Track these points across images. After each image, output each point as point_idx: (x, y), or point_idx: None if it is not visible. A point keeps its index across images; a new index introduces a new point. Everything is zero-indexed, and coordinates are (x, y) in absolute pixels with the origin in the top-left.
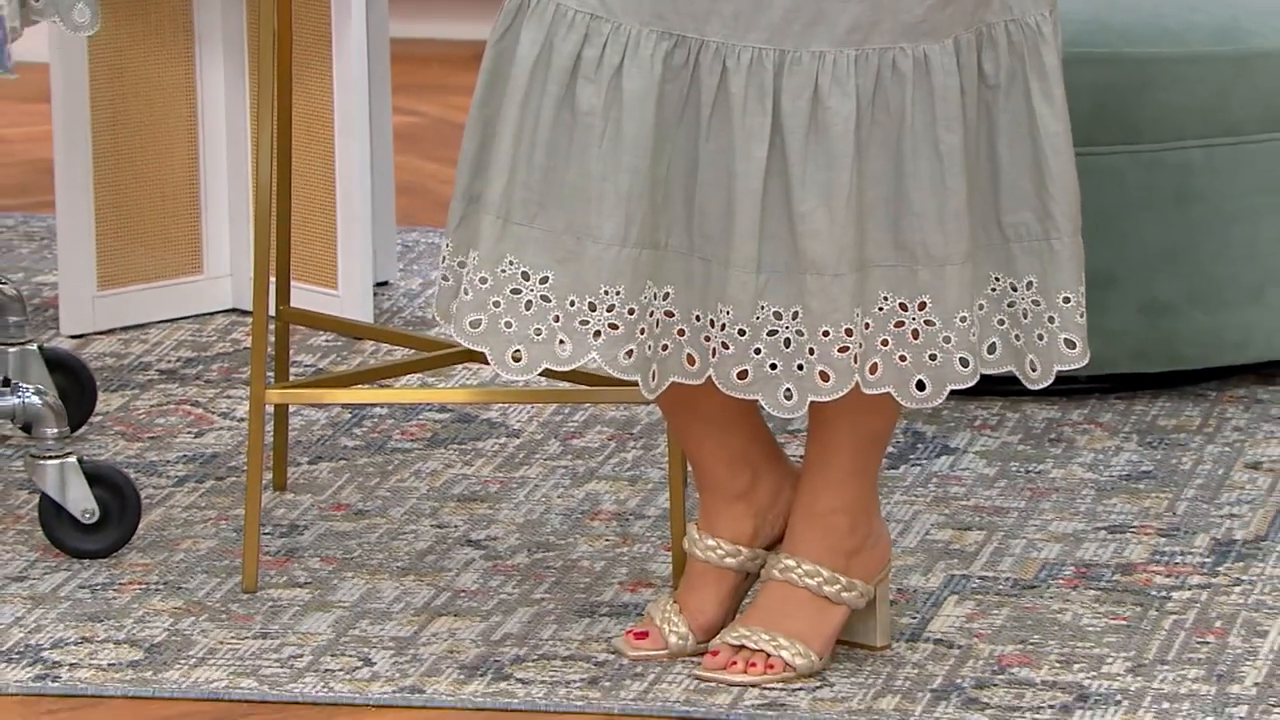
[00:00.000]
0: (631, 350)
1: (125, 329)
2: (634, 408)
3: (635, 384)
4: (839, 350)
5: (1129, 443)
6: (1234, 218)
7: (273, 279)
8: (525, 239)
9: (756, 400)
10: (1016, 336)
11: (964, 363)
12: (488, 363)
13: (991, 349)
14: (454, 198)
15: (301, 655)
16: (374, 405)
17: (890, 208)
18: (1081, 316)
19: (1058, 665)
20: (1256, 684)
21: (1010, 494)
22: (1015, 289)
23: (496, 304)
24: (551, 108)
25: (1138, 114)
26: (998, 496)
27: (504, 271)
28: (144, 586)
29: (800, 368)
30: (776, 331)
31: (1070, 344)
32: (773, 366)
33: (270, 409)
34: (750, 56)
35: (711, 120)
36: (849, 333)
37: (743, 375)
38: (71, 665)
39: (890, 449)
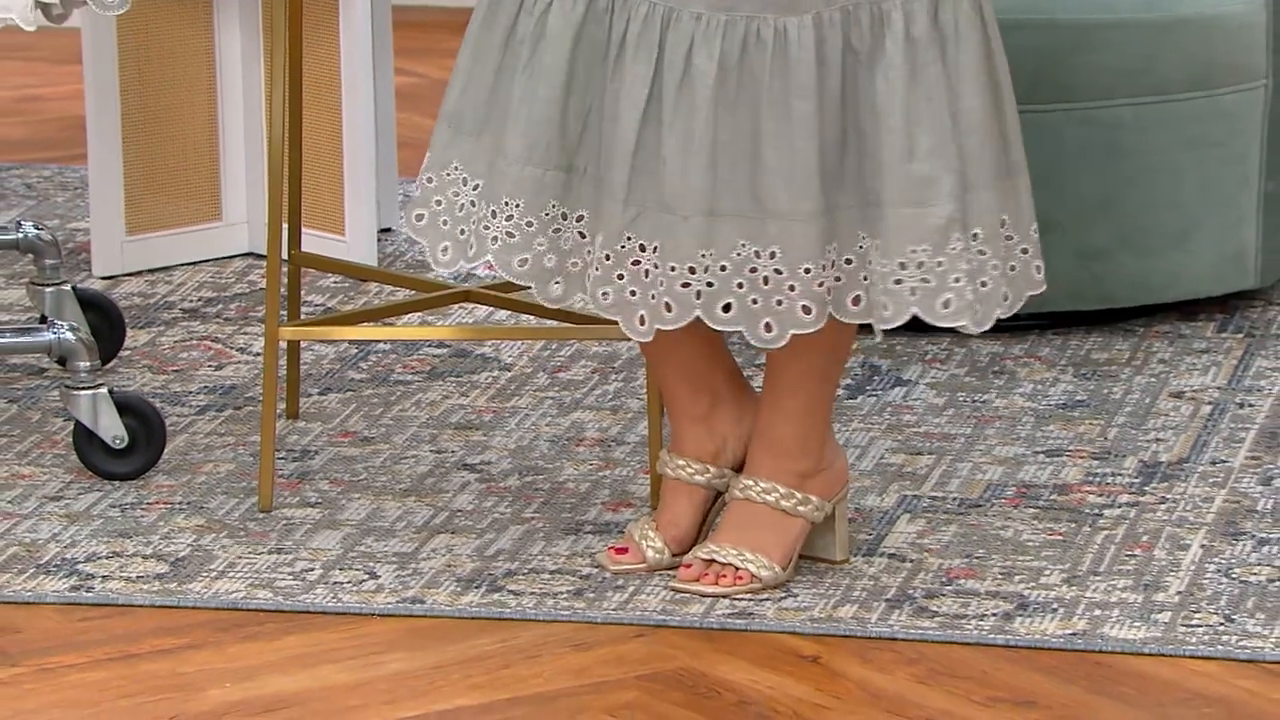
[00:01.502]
0: (526, 259)
1: (151, 271)
2: (615, 344)
3: (617, 323)
4: (681, 285)
5: (1065, 375)
6: (1160, 170)
7: (285, 225)
8: (470, 149)
9: (720, 331)
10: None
11: (806, 310)
12: (483, 303)
13: (855, 300)
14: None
15: (312, 569)
16: (378, 341)
17: (748, 163)
18: (913, 280)
19: (1000, 577)
20: (1179, 592)
21: (957, 421)
22: (977, 239)
23: (439, 202)
24: (501, 34)
25: (1072, 75)
26: (946, 424)
27: (448, 175)
28: (169, 506)
29: (653, 297)
30: (639, 261)
31: (883, 305)
32: (632, 293)
33: (283, 345)
34: (646, 10)
35: (617, 62)
36: (691, 270)
37: (605, 296)
38: (104, 577)
39: (848, 381)
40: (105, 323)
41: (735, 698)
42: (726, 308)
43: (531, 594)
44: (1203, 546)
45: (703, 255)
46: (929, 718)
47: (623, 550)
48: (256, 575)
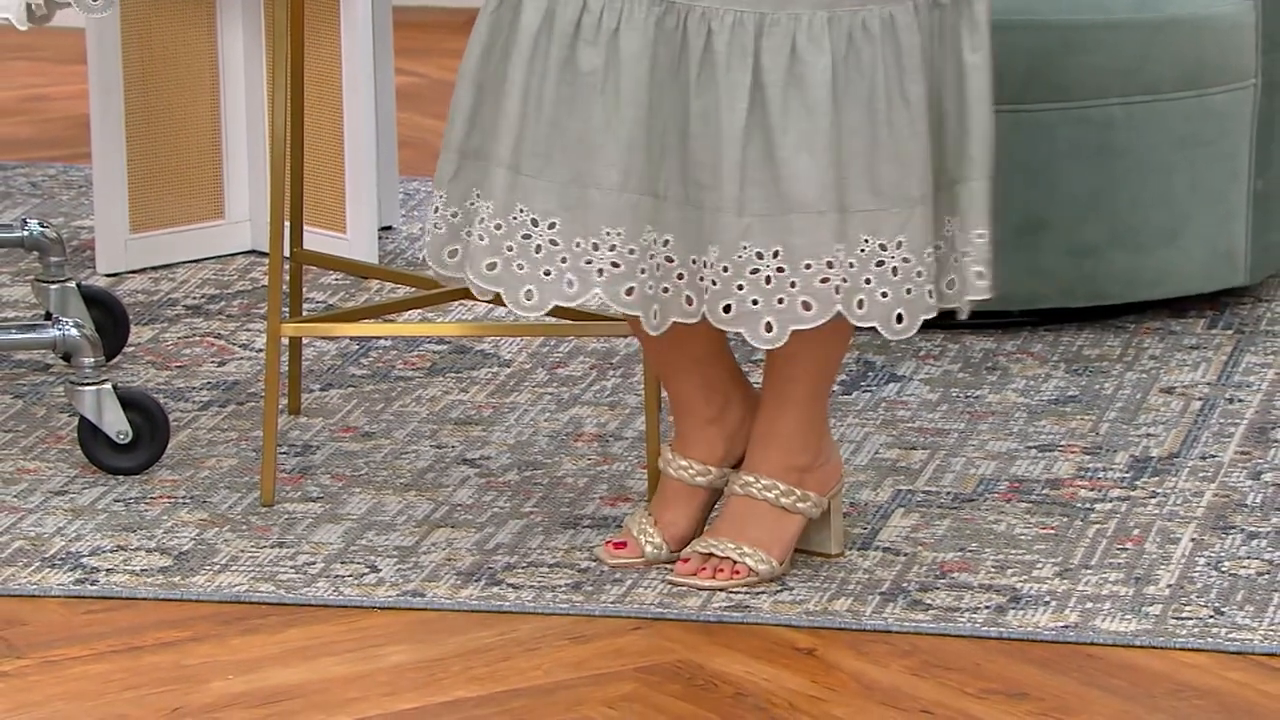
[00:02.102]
0: (633, 288)
1: (155, 268)
2: (614, 340)
3: (615, 319)
4: (820, 281)
5: (1057, 370)
6: (1151, 169)
7: (287, 223)
8: (534, 189)
9: (727, 334)
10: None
11: (931, 294)
12: (481, 300)
13: (951, 284)
14: (445, 152)
15: (314, 563)
16: (379, 338)
17: (866, 157)
18: (989, 251)
19: (993, 570)
20: (1169, 585)
21: (951, 417)
22: (949, 231)
23: (510, 249)
24: (556, 70)
25: (1065, 75)
26: (940, 419)
27: (515, 219)
28: (172, 500)
29: (781, 301)
30: (758, 270)
31: (980, 275)
32: (754, 302)
33: (285, 341)
34: (733, 19)
35: (699, 78)
36: (830, 265)
37: (727, 309)
38: (108, 570)
39: (843, 377)
40: (109, 319)
41: (732, 690)
42: (860, 304)
43: (530, 587)
44: (1193, 540)
45: (838, 249)
46: (923, 709)
47: (621, 545)
48: (259, 569)
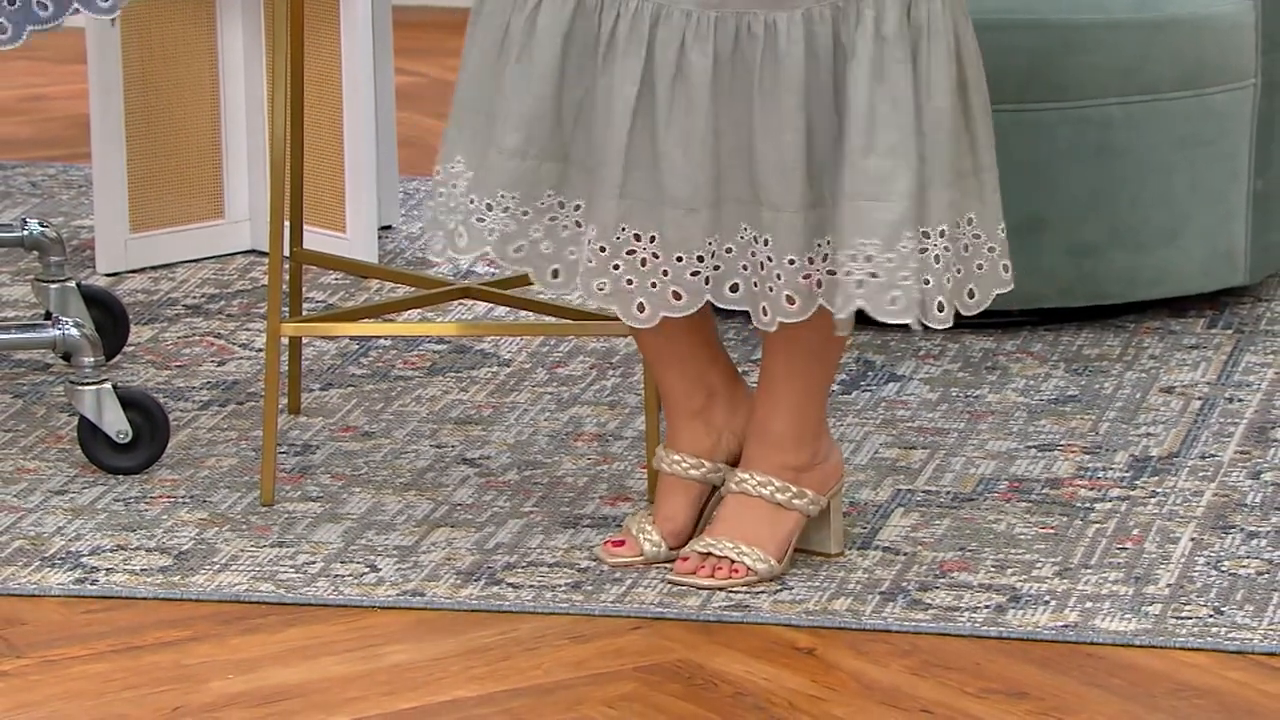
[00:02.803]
0: (522, 245)
1: (155, 268)
2: (613, 340)
3: (615, 319)
4: (690, 274)
5: (1057, 370)
6: (1150, 168)
7: (287, 223)
8: (469, 142)
9: (714, 328)
10: (926, 281)
11: (790, 300)
12: (482, 299)
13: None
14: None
15: (314, 562)
16: (379, 337)
17: (745, 152)
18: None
19: (993, 570)
20: (1169, 585)
21: (951, 416)
22: (928, 236)
23: (441, 194)
24: (498, 31)
25: (1065, 75)
26: (940, 419)
27: (453, 168)
28: (172, 500)
29: (654, 285)
30: (635, 251)
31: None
32: (629, 282)
33: (285, 340)
34: (635, 6)
35: (605, 58)
36: (700, 259)
37: (601, 287)
38: (108, 570)
39: (843, 377)
40: (109, 319)
41: (731, 689)
42: (734, 288)
43: (530, 587)
44: (1192, 540)
45: (709, 242)
46: (923, 709)
47: (620, 543)
48: (259, 568)
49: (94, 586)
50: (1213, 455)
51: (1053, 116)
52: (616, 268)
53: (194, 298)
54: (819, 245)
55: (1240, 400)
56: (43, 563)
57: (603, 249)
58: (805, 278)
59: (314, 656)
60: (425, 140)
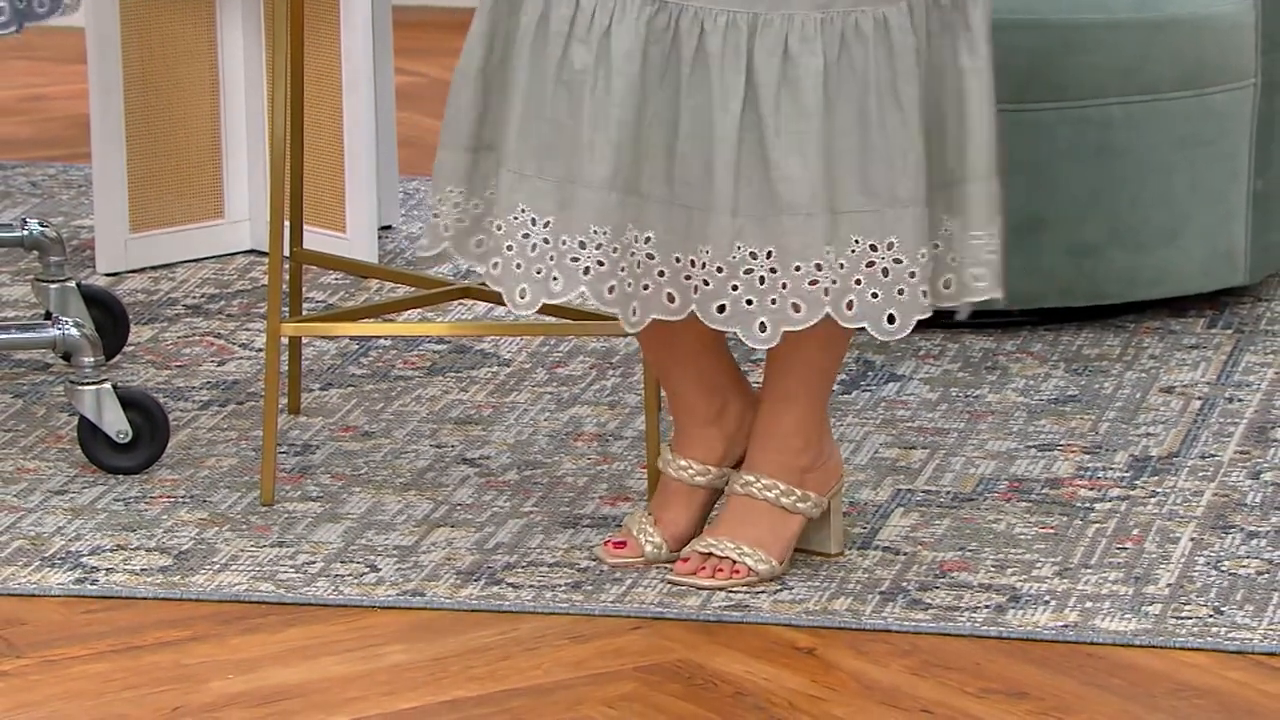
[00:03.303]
0: (614, 286)
1: (154, 268)
2: (613, 339)
3: (614, 318)
4: (809, 284)
5: (1057, 370)
6: (1150, 168)
7: (287, 223)
8: (536, 189)
9: (725, 333)
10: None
11: (925, 295)
12: (481, 299)
13: (946, 285)
14: (451, 150)
15: (314, 562)
16: (379, 337)
17: (858, 157)
18: (991, 253)
19: (993, 569)
20: (1169, 585)
21: (951, 416)
22: (949, 231)
23: (510, 248)
24: (553, 69)
25: (1065, 75)
26: (940, 419)
27: (516, 219)
28: (172, 500)
29: (774, 302)
30: (752, 270)
31: (977, 277)
32: (749, 302)
33: (285, 340)
34: (726, 20)
35: (691, 78)
36: (819, 267)
37: (721, 309)
38: (108, 570)
39: (843, 376)
40: (109, 319)
41: (732, 689)
42: (850, 305)
43: (530, 587)
44: (1192, 540)
45: (828, 251)
46: (923, 709)
47: (621, 544)
48: (258, 568)
49: (94, 586)
50: (1213, 455)
51: (1053, 116)
52: (735, 288)
53: (194, 298)
54: (936, 236)
55: (1240, 400)
56: (43, 563)
57: (720, 269)
58: (931, 269)
59: (314, 656)
60: (425, 140)
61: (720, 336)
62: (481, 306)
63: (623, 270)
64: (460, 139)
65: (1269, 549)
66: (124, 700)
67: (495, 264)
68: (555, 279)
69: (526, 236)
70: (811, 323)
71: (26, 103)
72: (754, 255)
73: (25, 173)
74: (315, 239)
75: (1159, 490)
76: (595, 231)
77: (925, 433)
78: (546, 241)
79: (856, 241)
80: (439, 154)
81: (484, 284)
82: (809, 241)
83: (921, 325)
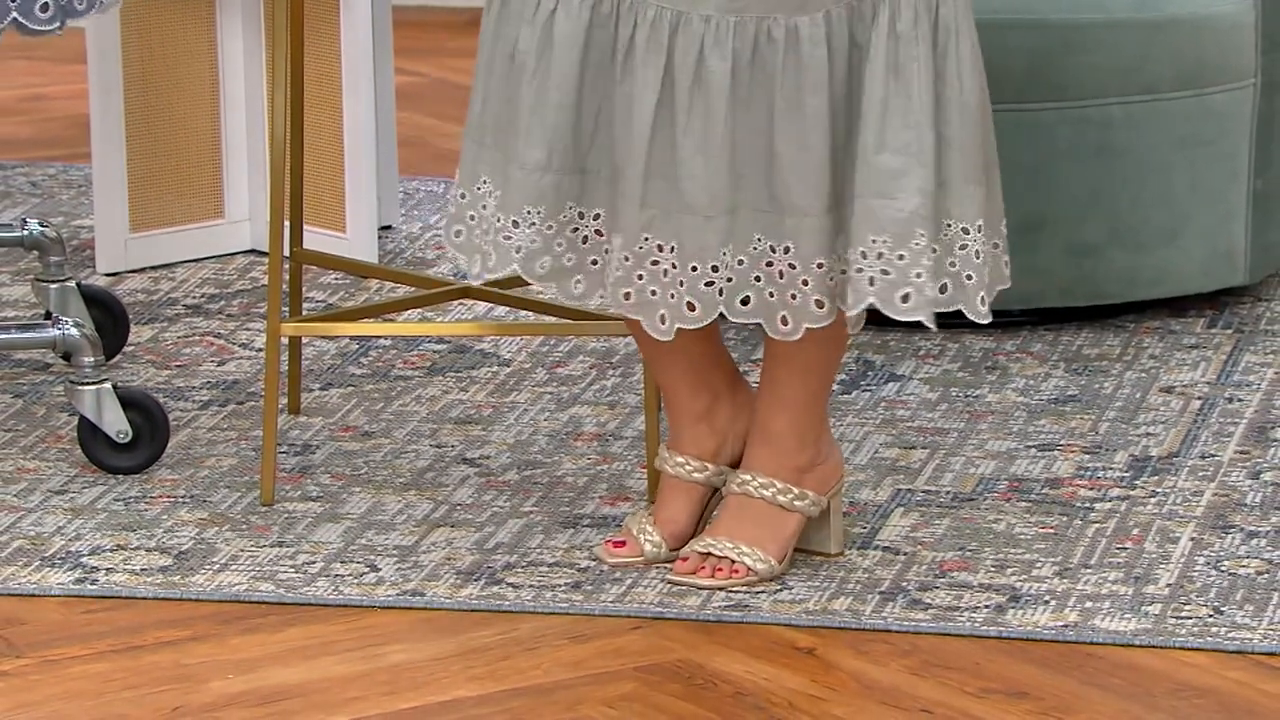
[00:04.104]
0: (546, 261)
1: (154, 268)
2: (613, 339)
3: (616, 319)
4: (704, 284)
5: (1056, 370)
6: (1150, 168)
7: (287, 223)
8: (493, 161)
9: (718, 330)
10: (969, 276)
11: (819, 304)
12: (482, 299)
13: (943, 289)
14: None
15: (314, 562)
16: (379, 337)
17: (764, 159)
18: (977, 256)
19: (993, 569)
20: (1169, 584)
21: (951, 416)
22: (968, 232)
23: (471, 217)
24: (508, 46)
25: (1064, 75)
26: (939, 418)
27: (478, 189)
28: (172, 500)
29: (672, 296)
30: (658, 261)
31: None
32: (653, 293)
33: (285, 340)
34: (653, 14)
35: (624, 66)
36: (714, 269)
37: (627, 296)
38: (108, 570)
39: (843, 376)
40: (109, 319)
41: (731, 689)
42: (745, 301)
43: (530, 587)
44: (1192, 539)
45: (724, 253)
46: (923, 709)
47: (620, 544)
48: (258, 568)
49: (94, 586)
50: (1213, 455)
51: (1053, 116)
52: (640, 277)
53: (194, 298)
54: (838, 246)
55: (1240, 400)
56: (43, 563)
57: (627, 258)
58: (831, 279)
59: (314, 656)
60: (425, 140)
61: (709, 333)
62: (481, 306)
63: (559, 246)
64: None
65: (1269, 549)
66: (124, 700)
67: (458, 232)
68: (490, 255)
69: (485, 207)
70: (705, 323)
71: (26, 103)
72: (660, 248)
73: (25, 173)
74: (315, 239)
75: (1159, 490)
76: (528, 211)
77: (925, 433)
78: (494, 216)
79: (759, 239)
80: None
81: (483, 284)
82: (705, 244)
83: (921, 325)
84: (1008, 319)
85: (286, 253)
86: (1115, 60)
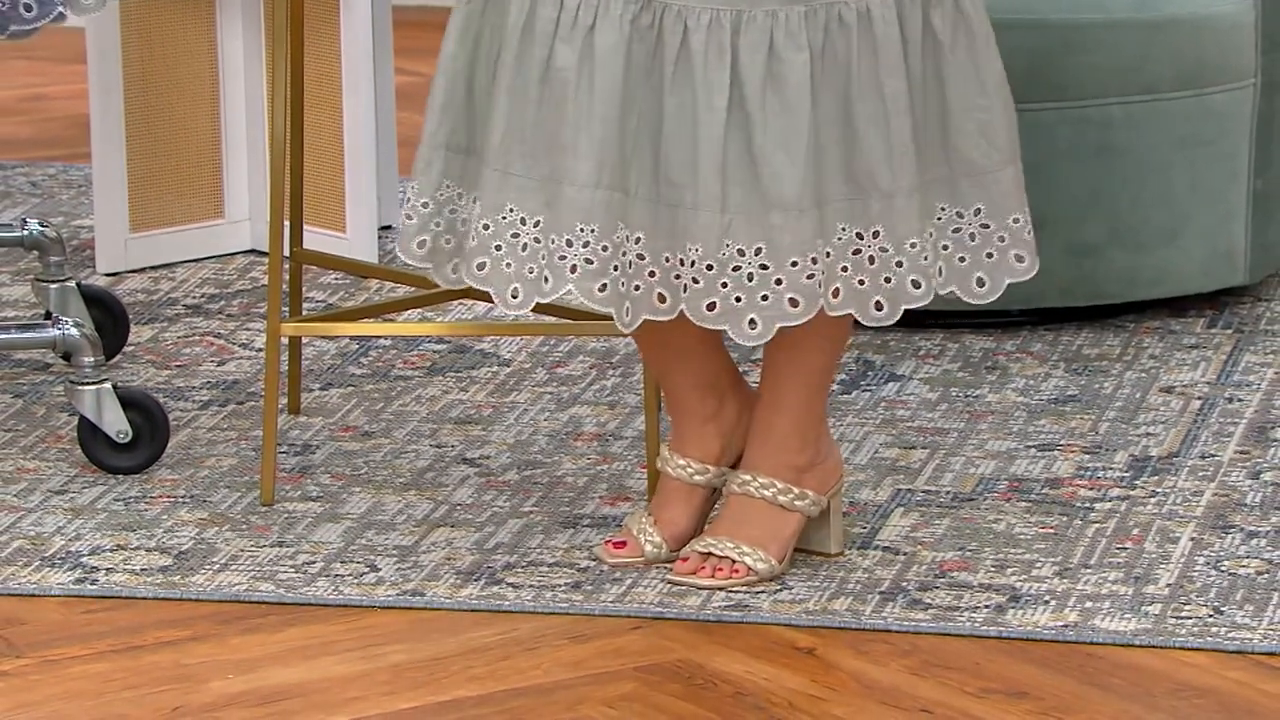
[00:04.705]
0: (605, 284)
1: (154, 268)
2: (613, 339)
3: (611, 319)
4: (806, 278)
5: (1056, 370)
6: (1150, 168)
7: (287, 223)
8: (524, 188)
9: (723, 331)
10: (961, 259)
11: (915, 284)
12: (482, 299)
13: (939, 272)
14: (421, 145)
15: (314, 562)
16: (379, 337)
17: (842, 147)
18: (1029, 234)
19: (993, 569)
20: (1169, 585)
21: (951, 416)
22: (962, 216)
23: (499, 248)
24: (538, 68)
25: (1065, 75)
26: (939, 418)
27: (504, 219)
28: (172, 500)
29: (765, 298)
30: (740, 267)
31: (1019, 258)
32: (738, 299)
33: (285, 340)
34: (710, 17)
35: (675, 76)
36: (814, 261)
37: (711, 307)
38: (108, 570)
39: (843, 376)
40: (109, 319)
41: (731, 689)
42: (835, 292)
43: (530, 587)
44: (1192, 539)
45: (819, 244)
46: (923, 709)
47: (621, 544)
48: (258, 568)
49: (94, 586)
50: (1213, 455)
51: (1053, 116)
52: (724, 285)
53: (194, 298)
54: (928, 226)
55: (1240, 400)
56: (43, 563)
57: (709, 267)
58: (925, 259)
59: (314, 656)
60: None
61: (716, 335)
62: (481, 306)
63: (615, 269)
64: (425, 135)
65: (1269, 549)
66: (124, 700)
67: (481, 264)
68: (546, 279)
69: (516, 236)
70: (809, 316)
71: (26, 103)
72: (742, 252)
73: (25, 173)
74: (315, 239)
75: (1159, 490)
76: (582, 229)
77: (925, 433)
78: (537, 241)
79: (843, 229)
80: (418, 150)
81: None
82: (801, 237)
83: (922, 325)
84: (1008, 319)
85: (286, 253)
86: (1115, 60)
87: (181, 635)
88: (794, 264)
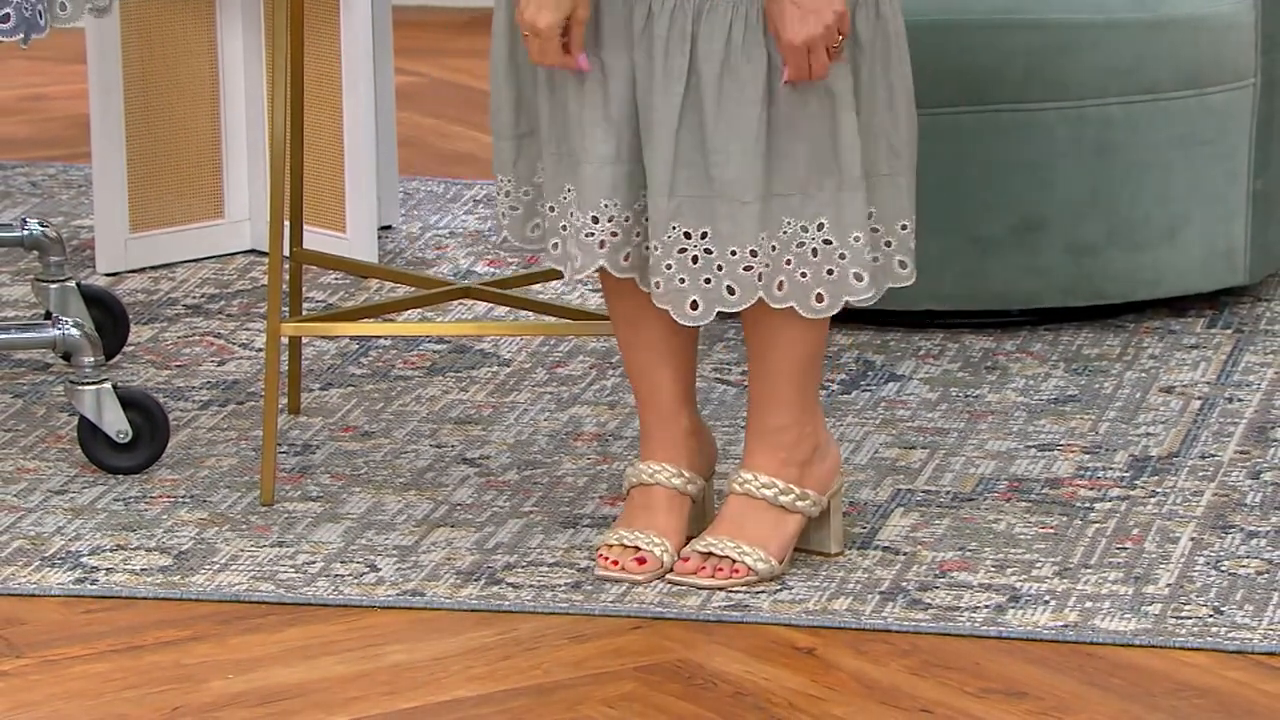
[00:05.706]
0: (629, 254)
1: (154, 268)
2: (613, 339)
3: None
4: (744, 269)
5: (1056, 370)
6: (1150, 167)
7: (287, 223)
8: (568, 167)
9: (697, 333)
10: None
11: (858, 278)
12: (482, 299)
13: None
14: (498, 140)
15: (314, 562)
16: (379, 337)
17: (792, 143)
18: (912, 241)
19: (993, 569)
20: (1169, 584)
21: (951, 416)
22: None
23: (564, 228)
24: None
25: (1064, 74)
26: (939, 418)
27: (564, 198)
28: (172, 500)
29: (708, 281)
30: (685, 250)
31: (902, 264)
32: (681, 281)
33: (285, 340)
34: (673, 3)
35: (637, 59)
36: (753, 253)
37: (656, 285)
38: (107, 570)
39: (843, 376)
40: (109, 319)
41: (731, 689)
42: (780, 285)
43: (530, 587)
44: (1192, 539)
45: (762, 238)
46: (922, 708)
47: (643, 560)
48: (258, 568)
49: (94, 586)
50: (1212, 455)
51: (1052, 116)
52: (669, 267)
53: (194, 297)
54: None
55: (1240, 400)
56: (43, 563)
57: (655, 248)
58: (869, 253)
59: (314, 656)
60: (425, 140)
61: (690, 338)
62: (481, 306)
63: (637, 236)
64: (503, 129)
65: (1269, 549)
66: (124, 700)
67: (555, 244)
68: (575, 256)
69: (572, 214)
70: (745, 306)
71: (26, 103)
72: (688, 235)
73: (25, 173)
74: (315, 239)
75: (1159, 490)
76: (605, 205)
77: (925, 433)
78: (573, 216)
79: (788, 223)
80: (493, 144)
81: (483, 284)
82: (744, 228)
83: (921, 325)
84: (1008, 319)
85: (286, 253)
86: (1115, 60)
87: (181, 635)
88: (733, 253)
